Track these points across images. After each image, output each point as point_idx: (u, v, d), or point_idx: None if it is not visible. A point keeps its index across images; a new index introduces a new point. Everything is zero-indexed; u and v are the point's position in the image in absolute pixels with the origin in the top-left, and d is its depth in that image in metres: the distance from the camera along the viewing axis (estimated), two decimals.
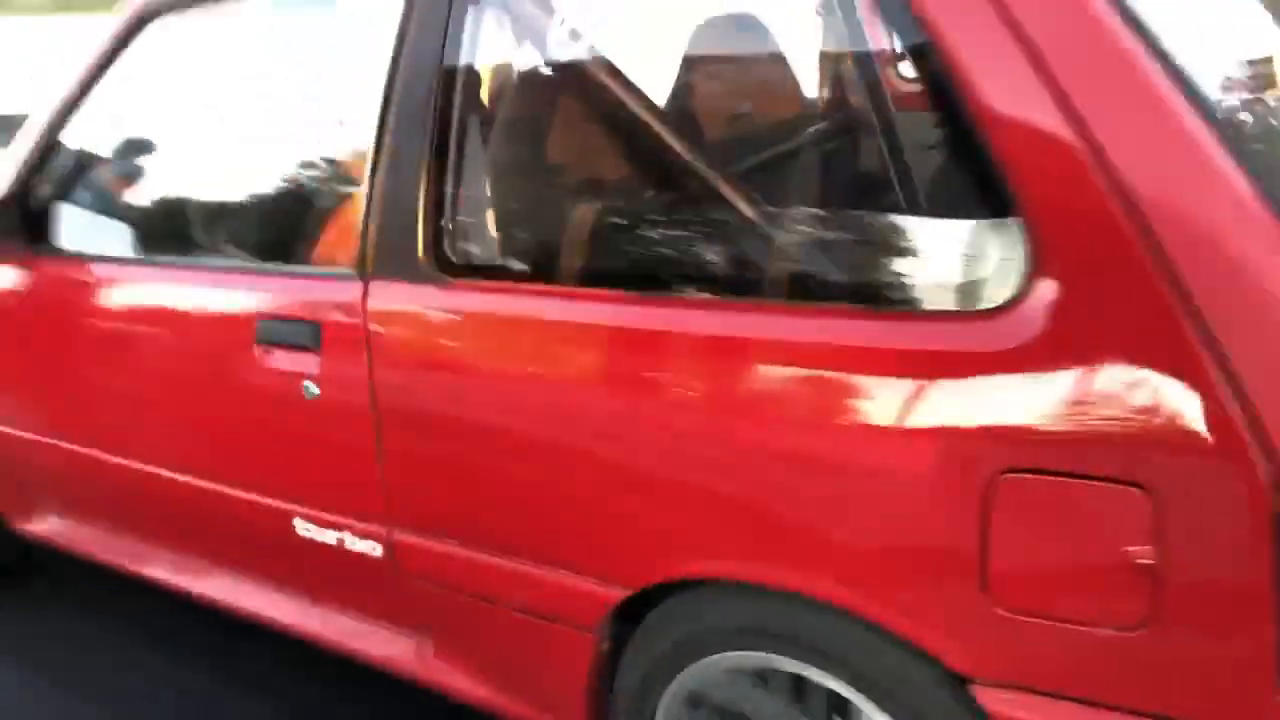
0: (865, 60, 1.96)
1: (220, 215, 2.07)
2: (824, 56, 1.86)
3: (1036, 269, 1.11)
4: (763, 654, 1.40)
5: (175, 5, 1.97)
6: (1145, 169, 1.05)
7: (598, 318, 1.43)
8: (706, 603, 1.42)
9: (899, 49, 1.57)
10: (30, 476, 2.40)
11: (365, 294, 1.62)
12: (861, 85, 1.90)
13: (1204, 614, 1.09)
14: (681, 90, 1.88)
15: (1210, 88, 1.12)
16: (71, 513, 2.39)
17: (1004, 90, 1.11)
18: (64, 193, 2.18)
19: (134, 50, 2.04)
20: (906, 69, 1.83)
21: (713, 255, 1.44)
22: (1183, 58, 1.08)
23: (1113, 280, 1.06)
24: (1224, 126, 1.06)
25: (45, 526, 2.44)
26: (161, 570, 2.22)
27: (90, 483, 2.24)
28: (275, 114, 1.98)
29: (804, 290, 1.37)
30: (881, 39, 1.83)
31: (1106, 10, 1.08)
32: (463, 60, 1.56)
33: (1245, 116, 1.21)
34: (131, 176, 2.21)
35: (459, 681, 1.76)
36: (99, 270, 2.07)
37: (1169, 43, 1.08)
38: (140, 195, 2.21)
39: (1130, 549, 1.09)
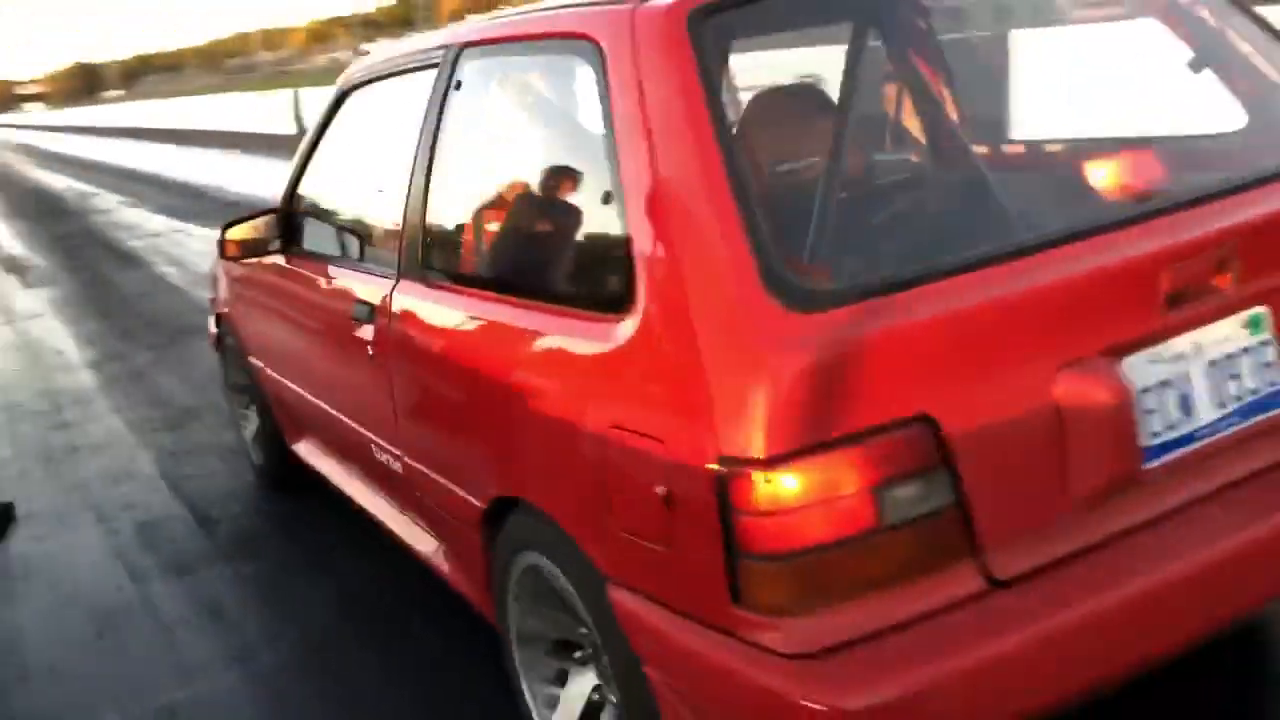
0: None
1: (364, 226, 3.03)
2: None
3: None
4: (535, 553, 2.08)
5: (364, 81, 3.11)
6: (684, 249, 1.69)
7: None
8: (516, 514, 2.12)
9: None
10: (288, 411, 3.61)
11: (393, 289, 2.58)
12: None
13: (685, 541, 1.65)
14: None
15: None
16: (308, 438, 3.57)
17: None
18: (303, 209, 3.36)
19: (342, 111, 3.24)
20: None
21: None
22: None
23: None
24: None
25: (302, 448, 3.62)
26: (340, 481, 3.29)
27: (310, 417, 3.39)
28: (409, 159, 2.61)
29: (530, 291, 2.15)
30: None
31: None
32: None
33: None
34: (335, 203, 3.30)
35: (438, 559, 2.64)
36: (311, 262, 3.20)
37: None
38: (337, 213, 3.24)
39: (657, 489, 1.65)
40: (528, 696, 2.25)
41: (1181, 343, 1.80)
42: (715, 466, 1.57)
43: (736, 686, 1.59)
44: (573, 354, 1.94)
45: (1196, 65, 2.24)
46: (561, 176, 2.21)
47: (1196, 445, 1.80)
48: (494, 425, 2.17)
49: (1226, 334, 1.85)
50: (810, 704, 1.48)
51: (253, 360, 3.83)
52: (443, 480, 2.43)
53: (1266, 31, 2.23)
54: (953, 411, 1.60)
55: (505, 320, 2.15)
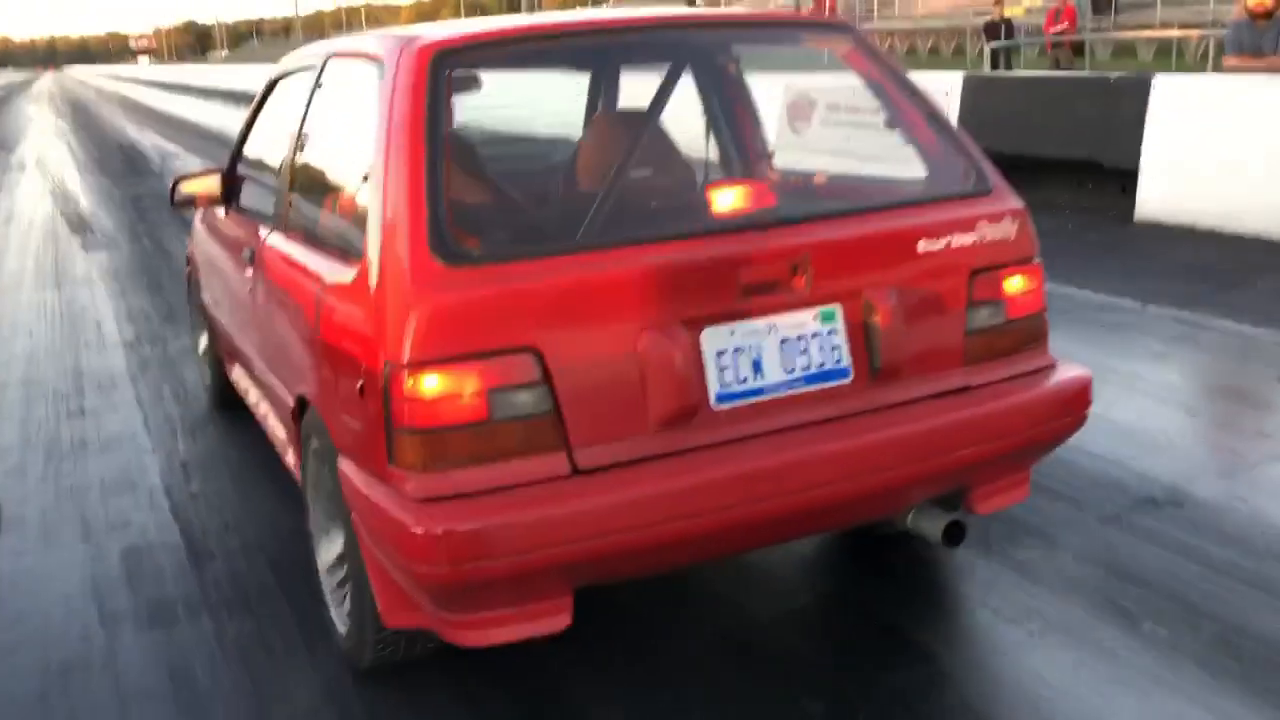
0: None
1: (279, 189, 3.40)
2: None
3: None
4: (315, 438, 2.80)
5: (292, 72, 3.69)
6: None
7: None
8: (309, 411, 2.79)
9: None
10: (221, 340, 4.25)
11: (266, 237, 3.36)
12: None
13: (368, 419, 2.32)
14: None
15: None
16: (235, 363, 4.07)
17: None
18: (238, 173, 4.03)
19: (270, 96, 3.94)
20: None
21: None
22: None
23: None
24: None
25: (234, 373, 4.12)
26: (250, 400, 3.87)
27: (231, 345, 3.99)
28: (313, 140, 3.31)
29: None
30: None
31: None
32: None
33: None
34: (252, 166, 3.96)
35: (287, 455, 3.31)
36: (237, 215, 3.89)
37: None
38: (253, 179, 3.90)
39: (357, 383, 2.35)
40: (321, 574, 2.93)
41: (758, 323, 2.40)
42: (383, 367, 2.22)
43: (385, 519, 2.21)
44: (330, 289, 2.63)
45: (890, 124, 2.95)
46: (351, 155, 2.72)
47: (763, 398, 2.41)
48: (294, 342, 2.91)
49: (801, 321, 2.45)
50: (416, 530, 2.13)
51: (203, 295, 4.57)
52: (278, 387, 3.18)
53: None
54: (555, 348, 2.22)
55: (304, 260, 2.90)
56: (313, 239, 2.93)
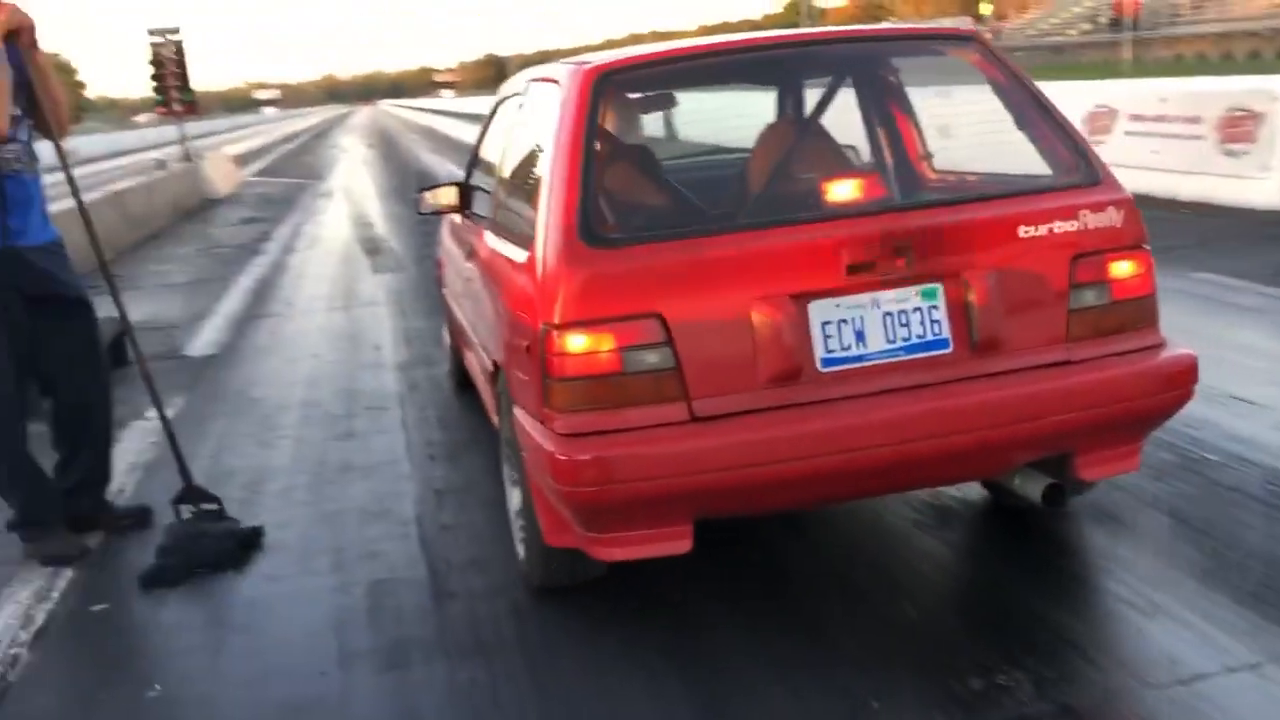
0: None
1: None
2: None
3: None
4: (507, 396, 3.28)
5: (510, 95, 4.21)
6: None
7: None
8: (501, 373, 3.35)
9: None
10: (455, 329, 5.06)
11: (483, 233, 3.90)
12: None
13: (532, 372, 2.82)
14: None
15: None
16: (465, 350, 4.63)
17: None
18: (470, 182, 4.52)
19: (495, 114, 4.50)
20: None
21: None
22: None
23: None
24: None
25: (467, 358, 4.65)
26: (475, 379, 4.38)
27: (461, 333, 4.67)
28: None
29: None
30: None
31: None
32: None
33: None
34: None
35: (498, 423, 3.66)
36: (468, 220, 4.30)
37: None
38: (480, 187, 4.34)
39: (525, 342, 2.87)
40: (510, 514, 3.46)
41: (862, 298, 2.76)
42: (541, 327, 2.73)
43: (541, 450, 2.71)
44: (512, 269, 3.11)
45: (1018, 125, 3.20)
46: (536, 162, 3.16)
47: (865, 364, 2.76)
48: (492, 317, 3.42)
49: (903, 297, 2.78)
50: (560, 456, 2.64)
51: (444, 291, 5.33)
52: (484, 357, 3.74)
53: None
54: (676, 314, 2.69)
55: (500, 249, 3.40)
56: (507, 232, 3.43)
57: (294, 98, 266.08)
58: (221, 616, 3.38)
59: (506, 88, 4.35)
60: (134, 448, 5.02)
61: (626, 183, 3.40)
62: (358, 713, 2.77)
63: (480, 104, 73.25)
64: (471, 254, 3.98)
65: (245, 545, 3.79)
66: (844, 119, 3.83)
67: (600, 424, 2.66)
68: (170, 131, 20.55)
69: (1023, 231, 2.83)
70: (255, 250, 12.00)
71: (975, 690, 2.63)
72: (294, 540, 3.87)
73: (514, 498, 3.38)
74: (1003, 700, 2.59)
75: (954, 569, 3.46)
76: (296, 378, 6.22)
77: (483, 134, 4.66)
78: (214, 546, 3.72)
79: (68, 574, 3.74)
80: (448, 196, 4.44)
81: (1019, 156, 3.20)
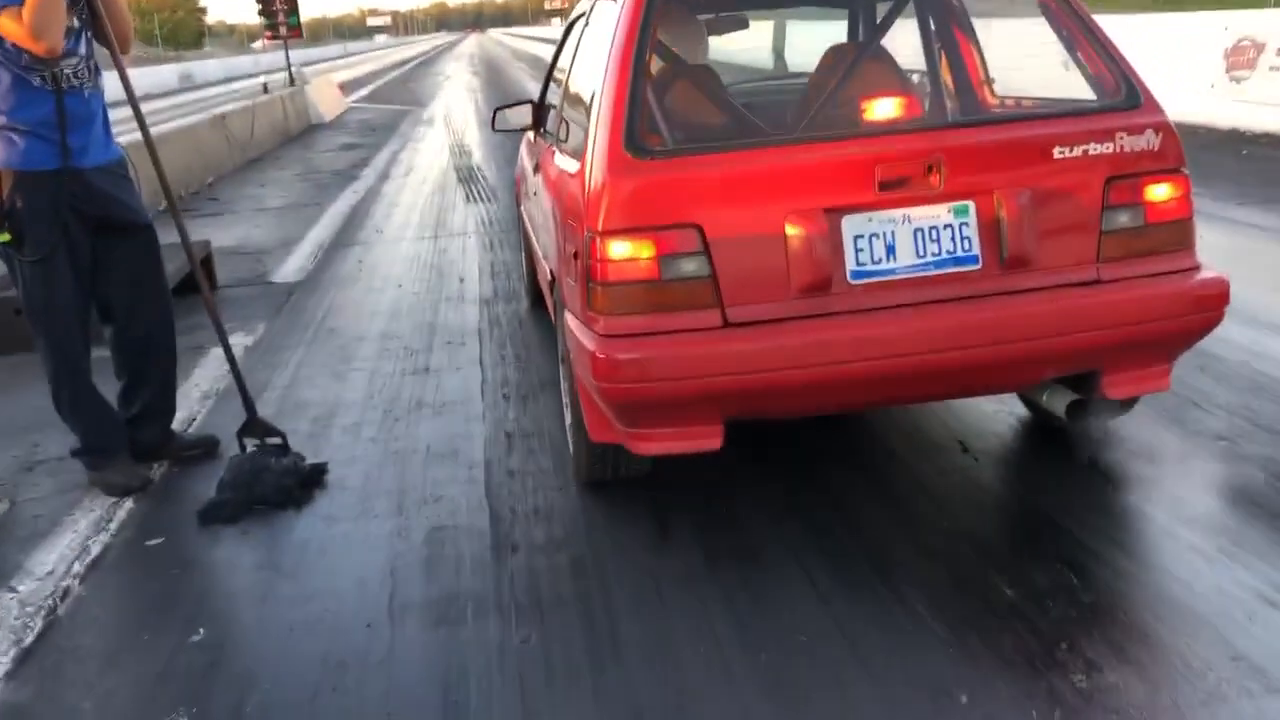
0: None
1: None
2: None
3: None
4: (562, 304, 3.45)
5: (580, 14, 4.25)
6: None
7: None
8: (557, 282, 3.52)
9: None
10: (528, 245, 5.13)
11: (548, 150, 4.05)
12: None
13: (578, 277, 2.98)
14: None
15: None
16: (537, 263, 4.56)
17: None
18: (546, 101, 4.68)
19: (567, 35, 4.54)
20: None
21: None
22: None
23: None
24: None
25: (538, 273, 4.63)
26: (544, 290, 4.38)
27: (531, 248, 4.81)
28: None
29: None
30: None
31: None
32: None
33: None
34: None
35: (559, 330, 3.63)
36: (539, 140, 4.52)
37: None
38: (550, 107, 4.45)
39: (571, 248, 3.07)
40: (565, 410, 3.67)
41: (894, 213, 2.83)
42: (586, 234, 2.86)
43: (583, 350, 2.87)
44: (565, 179, 3.32)
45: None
46: (593, 77, 3.25)
47: (895, 277, 2.84)
48: (550, 228, 3.58)
49: (934, 213, 2.85)
50: (600, 355, 2.79)
51: (520, 209, 5.52)
52: (545, 265, 3.89)
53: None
54: (714, 225, 2.79)
55: (558, 163, 3.55)
56: (565, 147, 3.55)
57: (404, 24, 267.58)
58: (274, 559, 3.24)
59: (580, 6, 4.37)
60: (210, 374, 4.94)
61: (682, 100, 3.50)
62: (401, 671, 2.61)
63: None
64: (538, 170, 4.16)
65: (307, 483, 3.66)
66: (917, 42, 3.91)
67: (639, 326, 2.80)
68: (284, 57, 20.63)
69: (1057, 152, 2.87)
70: (351, 176, 11.95)
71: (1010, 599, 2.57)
72: (357, 479, 3.73)
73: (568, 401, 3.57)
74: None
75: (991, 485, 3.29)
76: (378, 308, 6.09)
77: (557, 54, 4.75)
78: (275, 482, 3.59)
79: (128, 504, 3.66)
80: (521, 115, 4.64)
81: (1077, 85, 3.23)
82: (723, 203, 2.82)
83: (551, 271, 3.64)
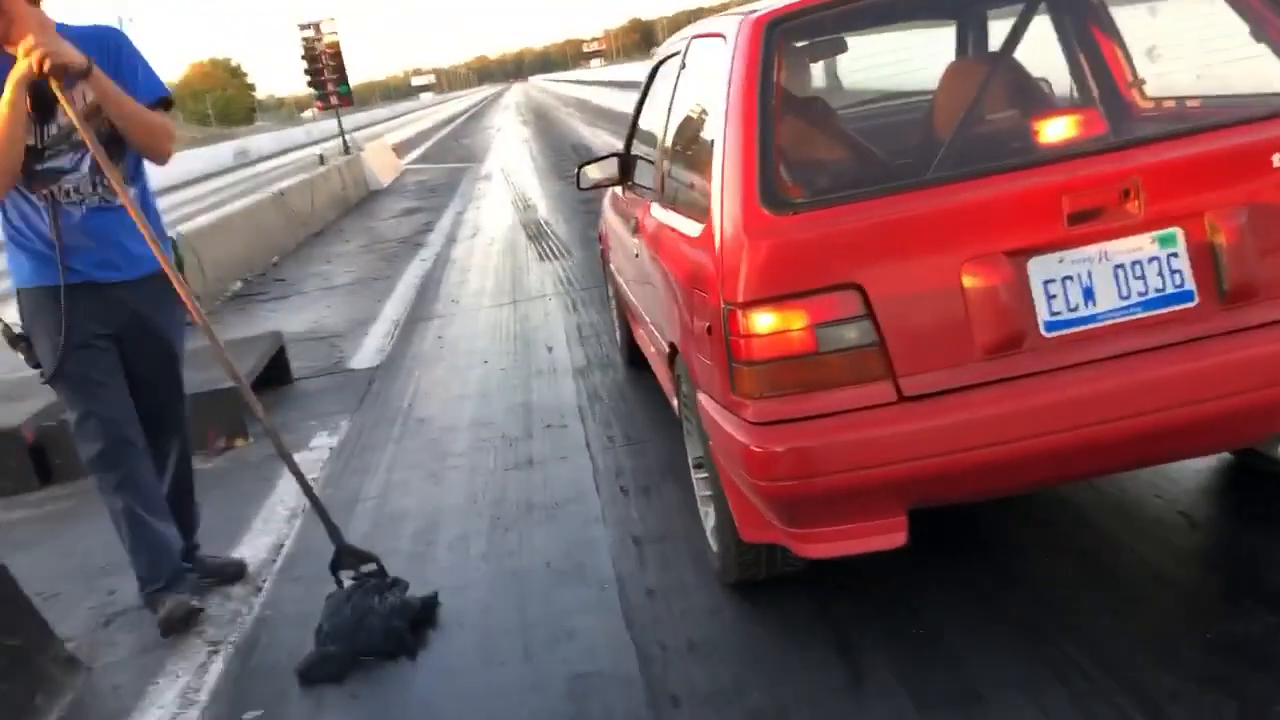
0: None
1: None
2: None
3: None
4: (684, 380, 3.14)
5: (668, 56, 4.01)
6: None
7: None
8: (679, 356, 3.14)
9: None
10: (623, 303, 4.86)
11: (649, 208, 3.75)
12: None
13: (715, 356, 2.61)
14: None
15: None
16: (635, 324, 4.53)
17: None
18: (632, 153, 4.42)
19: (654, 80, 4.31)
20: None
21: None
22: None
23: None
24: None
25: (637, 334, 4.53)
26: (646, 353, 4.35)
27: (630, 306, 4.52)
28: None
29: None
30: None
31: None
32: None
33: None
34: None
35: (672, 400, 3.66)
36: (631, 193, 4.31)
37: None
38: (640, 158, 4.28)
39: (706, 324, 2.66)
40: (699, 501, 3.31)
41: (1089, 250, 2.40)
42: (724, 307, 2.48)
43: (733, 442, 2.50)
44: (686, 245, 2.92)
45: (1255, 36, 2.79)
46: (706, 125, 2.99)
47: (1097, 325, 2.41)
48: (665, 294, 3.25)
49: (1136, 246, 2.41)
50: (756, 448, 2.42)
51: (610, 267, 5.09)
52: (657, 334, 3.60)
53: None
54: (876, 283, 2.39)
55: (670, 222, 3.22)
56: (677, 203, 3.22)
57: (448, 80, 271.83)
58: None
59: (664, 49, 4.12)
60: (294, 488, 4.49)
61: (804, 140, 3.06)
62: None
63: (630, 71, 72.99)
64: (638, 228, 3.82)
65: (418, 621, 3.16)
66: (1030, 51, 3.31)
67: (796, 410, 2.42)
68: (333, 125, 20.60)
69: (1278, 160, 2.43)
70: (418, 244, 11.61)
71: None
72: (473, 613, 3.22)
73: (700, 483, 3.26)
74: None
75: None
76: (466, 390, 5.63)
77: (642, 100, 4.42)
78: (382, 627, 3.09)
79: (217, 666, 3.19)
80: (608, 169, 4.38)
81: (1252, 76, 2.86)
82: (885, 256, 2.42)
83: (671, 344, 3.23)
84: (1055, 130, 2.82)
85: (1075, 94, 3.41)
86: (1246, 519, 3.01)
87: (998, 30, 3.29)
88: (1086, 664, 2.46)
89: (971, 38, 3.70)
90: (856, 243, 2.43)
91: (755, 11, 2.80)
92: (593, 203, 12.31)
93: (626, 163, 4.37)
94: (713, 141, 2.76)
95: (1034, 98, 3.22)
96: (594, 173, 4.46)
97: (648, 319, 3.84)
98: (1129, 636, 2.53)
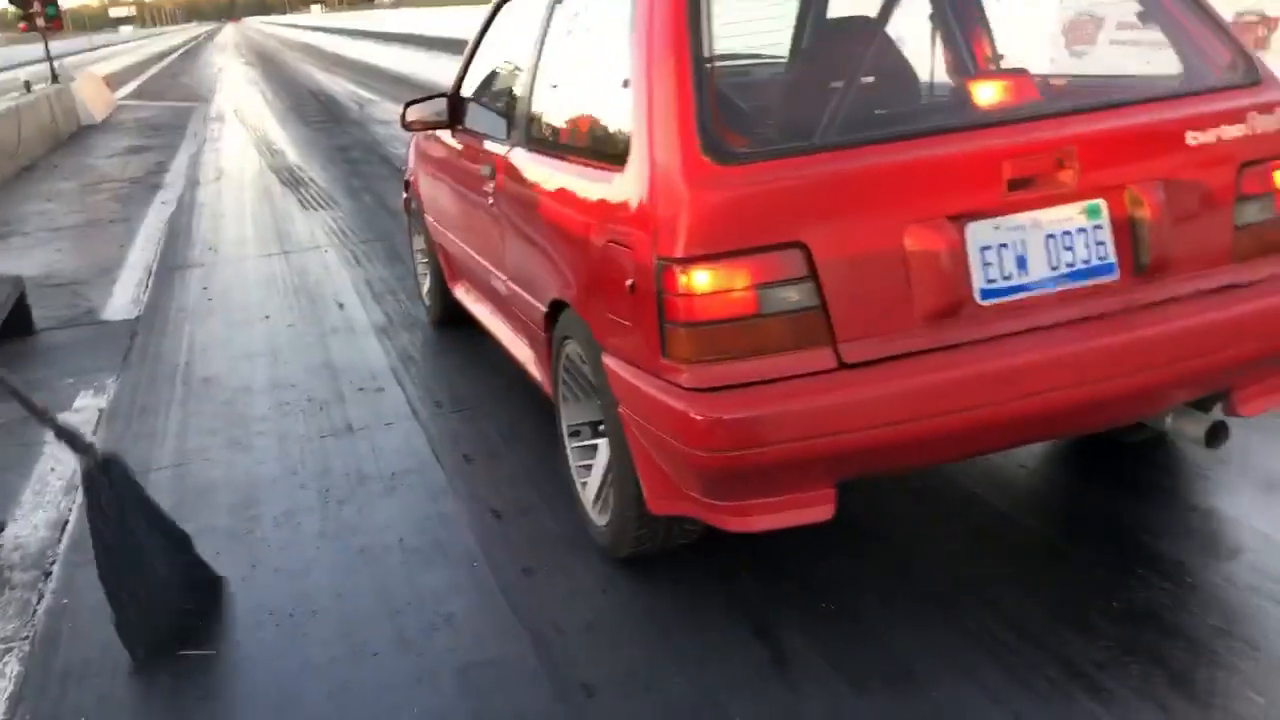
0: None
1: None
2: None
3: None
4: (571, 341, 2.89)
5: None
6: None
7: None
8: (562, 313, 2.90)
9: None
10: (447, 257, 4.53)
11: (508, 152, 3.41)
12: None
13: (639, 316, 2.39)
14: None
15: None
16: (461, 279, 4.46)
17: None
18: (464, 95, 4.11)
19: (496, 18, 4.02)
20: None
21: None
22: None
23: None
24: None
25: (457, 290, 4.50)
26: (477, 312, 4.19)
27: (460, 260, 4.24)
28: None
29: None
30: None
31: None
32: None
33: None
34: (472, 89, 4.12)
35: (529, 365, 3.48)
36: (465, 136, 3.98)
37: None
38: (484, 99, 3.96)
39: (627, 281, 2.40)
40: (573, 472, 3.05)
41: (1022, 218, 2.36)
42: (656, 262, 2.28)
43: (662, 409, 2.32)
44: (592, 194, 2.69)
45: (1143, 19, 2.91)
46: (605, 66, 2.80)
47: (1028, 294, 2.37)
48: (549, 247, 2.98)
49: (1066, 215, 2.39)
50: (696, 417, 2.24)
51: (427, 218, 4.74)
52: (524, 293, 3.29)
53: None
54: (822, 243, 2.25)
55: (560, 171, 2.93)
56: (565, 150, 2.99)
57: (152, 15, 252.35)
58: None
59: None
60: (66, 456, 3.88)
61: (725, 89, 2.85)
62: None
63: (359, 20, 69.72)
64: (493, 175, 3.50)
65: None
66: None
67: (733, 376, 2.26)
68: (22, 52, 18.49)
69: (1191, 137, 2.49)
70: (154, 185, 10.56)
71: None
72: (324, 598, 2.85)
73: (581, 451, 3.00)
74: None
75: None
76: (253, 348, 5.09)
77: (479, 38, 4.16)
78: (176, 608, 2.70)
79: (13, 667, 2.67)
80: (435, 109, 4.13)
81: (1142, 57, 2.96)
82: (831, 214, 2.29)
83: (554, 301, 2.98)
84: (993, 93, 2.77)
85: (950, 66, 3.42)
86: (1120, 487, 3.10)
87: None
88: (1011, 639, 2.43)
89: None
90: (803, 199, 2.29)
91: None
92: (351, 150, 11.67)
93: (457, 105, 4.09)
94: (626, 84, 2.55)
95: (968, 65, 3.22)
96: (419, 112, 4.18)
97: (502, 274, 3.55)
98: (1042, 609, 2.53)
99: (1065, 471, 3.26)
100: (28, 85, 15.42)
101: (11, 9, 17.86)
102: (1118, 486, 3.07)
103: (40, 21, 17.05)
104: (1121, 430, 3.09)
